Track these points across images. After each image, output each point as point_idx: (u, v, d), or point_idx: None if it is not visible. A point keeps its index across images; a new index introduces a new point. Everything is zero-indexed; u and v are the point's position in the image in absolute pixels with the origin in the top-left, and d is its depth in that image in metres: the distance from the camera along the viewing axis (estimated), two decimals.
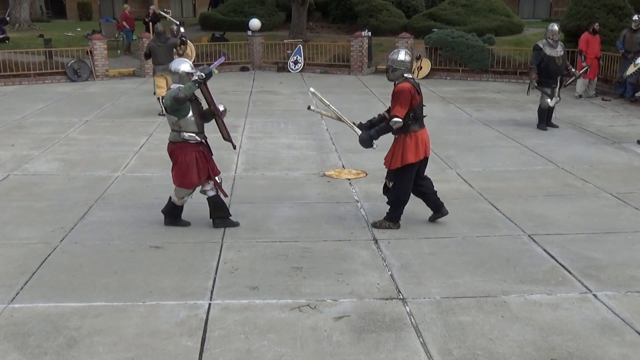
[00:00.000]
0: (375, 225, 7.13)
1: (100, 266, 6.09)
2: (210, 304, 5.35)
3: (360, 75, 20.51)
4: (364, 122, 7.29)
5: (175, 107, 6.72)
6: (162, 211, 7.30)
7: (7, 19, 30.12)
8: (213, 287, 5.67)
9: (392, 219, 7.11)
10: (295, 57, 21.74)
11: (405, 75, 6.80)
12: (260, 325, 5.01)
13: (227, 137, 7.41)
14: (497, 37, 22.29)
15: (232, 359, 4.56)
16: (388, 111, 6.95)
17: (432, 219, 7.24)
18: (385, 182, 7.13)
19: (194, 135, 6.93)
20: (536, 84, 11.88)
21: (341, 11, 29.25)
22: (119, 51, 23.99)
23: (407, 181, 6.97)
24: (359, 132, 7.11)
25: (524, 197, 8.23)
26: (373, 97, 16.27)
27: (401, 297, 5.49)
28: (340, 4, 29.21)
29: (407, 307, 5.30)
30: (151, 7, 27.87)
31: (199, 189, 7.13)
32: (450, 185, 8.65)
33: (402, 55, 6.84)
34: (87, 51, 19.88)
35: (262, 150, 10.74)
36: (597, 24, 15.79)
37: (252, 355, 4.60)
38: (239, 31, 24.71)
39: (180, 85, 6.77)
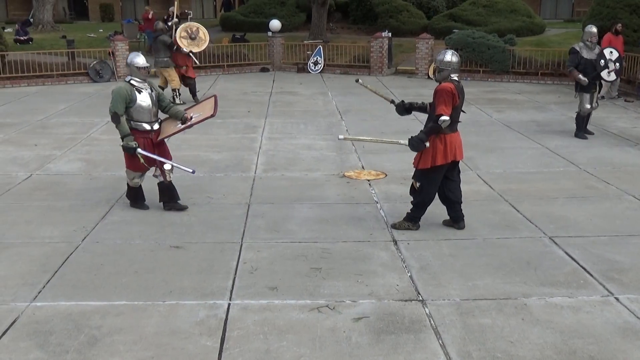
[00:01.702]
0: (395, 226, 7.12)
1: (121, 265, 6.14)
2: (229, 304, 5.37)
3: (381, 76, 20.48)
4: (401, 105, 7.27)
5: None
6: (126, 196, 7.91)
7: (31, 20, 30.48)
8: (232, 287, 5.69)
9: (412, 219, 7.09)
10: (315, 58, 21.75)
11: (452, 76, 6.74)
12: (279, 325, 5.02)
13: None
14: (519, 38, 22.14)
15: (251, 359, 4.57)
16: (431, 104, 6.88)
17: (446, 224, 7.21)
18: (412, 183, 7.10)
19: (140, 124, 7.49)
20: (581, 88, 11.34)
21: (361, 12, 29.23)
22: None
23: (434, 183, 6.93)
24: (405, 142, 6.98)
25: (545, 199, 8.17)
26: (393, 98, 16.19)
27: (420, 298, 5.47)
28: (361, 5, 29.20)
29: (426, 309, 5.28)
30: (171, 8, 28.05)
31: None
32: (470, 186, 8.61)
33: (449, 56, 6.75)
34: (109, 52, 20.05)
35: (282, 151, 10.76)
36: (619, 24, 15.61)
37: (271, 355, 4.61)
38: (260, 32, 24.80)
39: (132, 81, 7.46)
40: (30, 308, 5.30)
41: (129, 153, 7.46)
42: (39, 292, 5.58)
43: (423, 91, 17.43)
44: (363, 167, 9.73)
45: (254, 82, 19.33)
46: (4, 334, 4.88)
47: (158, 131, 7.72)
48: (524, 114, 13.99)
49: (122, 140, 7.41)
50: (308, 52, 22.09)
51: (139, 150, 7.42)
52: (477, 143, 11.11)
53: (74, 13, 41.59)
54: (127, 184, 7.83)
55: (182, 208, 7.77)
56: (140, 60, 7.48)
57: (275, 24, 22.44)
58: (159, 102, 7.68)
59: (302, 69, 21.77)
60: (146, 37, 24.91)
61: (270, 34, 22.47)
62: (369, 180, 9.07)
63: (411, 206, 7.12)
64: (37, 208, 7.84)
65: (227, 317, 5.15)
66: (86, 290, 5.63)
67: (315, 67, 21.69)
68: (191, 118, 7.75)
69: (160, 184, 7.78)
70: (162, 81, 15.31)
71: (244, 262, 6.22)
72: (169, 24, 17.02)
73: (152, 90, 7.60)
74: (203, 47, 15.67)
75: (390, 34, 21.56)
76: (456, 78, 6.78)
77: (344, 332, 4.91)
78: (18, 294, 5.54)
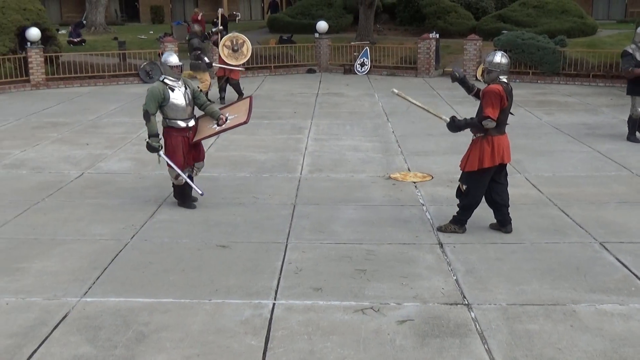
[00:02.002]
0: (441, 229, 7.06)
1: (169, 263, 6.23)
2: (274, 304, 5.40)
3: (427, 77, 20.34)
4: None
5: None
6: (174, 196, 8.03)
7: (84, 22, 31.22)
8: (277, 287, 5.73)
9: (459, 222, 7.02)
10: (362, 59, 21.73)
11: (501, 77, 6.67)
12: (324, 326, 5.02)
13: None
14: (570, 39, 21.73)
15: (295, 359, 4.59)
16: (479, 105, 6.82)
17: (493, 228, 7.12)
18: (459, 185, 7.03)
19: (175, 121, 7.66)
20: (632, 91, 11.00)
21: (409, 13, 29.09)
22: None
23: (481, 186, 6.86)
24: (447, 119, 6.93)
25: (595, 203, 8.00)
26: (440, 100, 16.11)
27: (466, 302, 5.42)
28: (408, 6, 29.06)
29: (472, 313, 5.23)
30: (219, 9, 28.38)
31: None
32: (518, 190, 8.48)
33: (498, 58, 6.69)
34: (159, 53, 20.37)
35: (328, 152, 10.78)
36: None
37: (315, 356, 4.62)
38: (307, 33, 24.88)
39: (166, 80, 7.62)
40: (81, 303, 5.42)
41: (152, 152, 7.72)
42: (89, 288, 5.71)
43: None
44: (409, 169, 9.68)
45: (301, 83, 19.41)
46: (55, 328, 5.00)
47: (194, 128, 7.86)
48: (575, 117, 13.73)
49: (148, 139, 7.61)
50: (355, 54, 22.07)
51: (161, 153, 7.67)
52: (526, 146, 10.95)
53: (125, 15, 42.41)
54: (172, 183, 7.95)
55: (191, 206, 7.93)
56: (173, 59, 7.61)
57: (322, 25, 22.50)
58: (194, 100, 7.81)
59: (349, 70, 21.77)
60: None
61: (317, 35, 22.53)
62: (415, 182, 9.02)
63: (457, 209, 7.06)
64: (88, 206, 8.01)
65: (271, 317, 5.18)
66: (134, 287, 5.73)
67: (361, 69, 21.66)
68: (226, 119, 7.86)
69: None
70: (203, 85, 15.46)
71: (289, 263, 6.25)
72: (214, 29, 17.28)
73: (186, 88, 7.73)
74: (240, 62, 15.83)
75: (437, 35, 21.40)
76: (505, 80, 6.70)
77: (388, 335, 4.89)
78: (69, 289, 5.68)
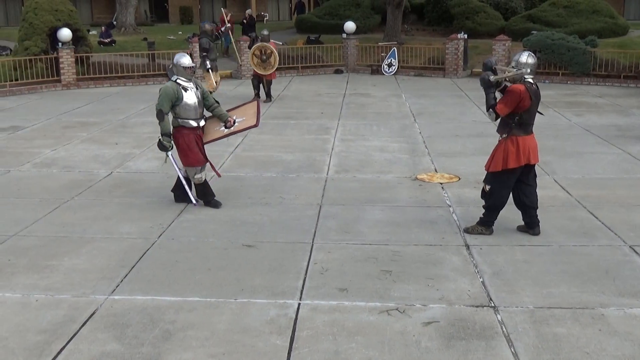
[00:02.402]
0: (468, 230, 7.01)
1: (195, 262, 6.28)
2: (299, 304, 5.41)
3: (455, 78, 20.22)
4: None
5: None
6: (198, 197, 7.99)
7: (114, 23, 31.58)
8: (303, 287, 5.74)
9: (485, 223, 6.97)
10: (389, 60, 21.67)
11: (526, 77, 6.59)
12: (349, 327, 5.02)
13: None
14: (600, 39, 21.41)
15: (320, 359, 4.59)
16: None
17: (520, 230, 7.05)
18: (483, 186, 6.98)
19: (187, 120, 7.76)
20: None
21: (437, 13, 28.92)
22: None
23: (506, 187, 6.80)
24: (491, 77, 6.71)
25: (625, 206, 7.89)
26: (468, 101, 16.00)
27: (492, 305, 5.38)
28: (436, 6, 28.89)
29: (498, 316, 5.19)
30: (247, 10, 28.53)
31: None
32: (547, 192, 8.39)
33: (525, 57, 6.63)
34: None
35: (354, 153, 10.77)
36: None
37: (339, 356, 4.62)
38: (334, 34, 24.88)
39: (179, 81, 7.70)
40: (109, 301, 5.48)
41: (162, 150, 7.81)
42: (117, 286, 5.77)
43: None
44: (436, 170, 9.63)
45: (328, 84, 19.42)
46: (83, 325, 5.07)
47: (203, 128, 8.01)
48: (605, 118, 13.55)
49: (161, 137, 7.72)
50: (382, 54, 22.02)
51: (170, 154, 7.79)
52: (555, 147, 10.83)
53: (154, 16, 42.78)
54: (193, 183, 8.01)
55: (217, 205, 7.97)
56: (186, 60, 7.75)
57: (349, 25, 22.48)
58: (203, 101, 7.92)
59: (376, 70, 21.73)
60: (223, 39, 25.38)
61: (344, 35, 22.53)
62: (441, 183, 8.97)
63: (483, 210, 7.01)
64: (116, 204, 8.10)
65: (297, 317, 5.19)
66: (161, 285, 5.79)
67: (389, 69, 21.61)
68: (234, 121, 7.99)
69: (187, 178, 8.05)
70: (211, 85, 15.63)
71: (314, 263, 6.25)
72: (223, 29, 17.54)
73: (197, 89, 7.85)
74: (267, 72, 16.03)
75: (466, 36, 21.27)
76: (531, 80, 6.63)
77: (414, 336, 4.87)
78: (97, 287, 5.75)
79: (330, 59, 22.35)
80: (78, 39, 19.30)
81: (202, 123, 7.93)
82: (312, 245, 6.73)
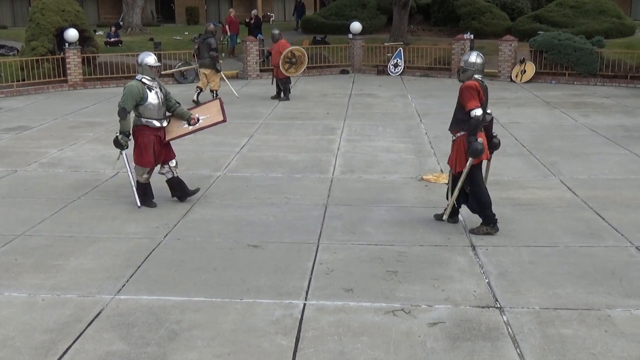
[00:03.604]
0: (474, 231, 7.02)
1: (201, 262, 6.28)
2: (305, 304, 5.41)
3: None
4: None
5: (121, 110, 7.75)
6: (137, 193, 8.03)
7: (121, 23, 31.65)
8: (308, 287, 5.74)
9: (488, 221, 7.00)
10: (395, 60, 21.66)
11: (475, 76, 6.91)
12: (354, 327, 5.02)
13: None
14: (607, 40, 21.36)
15: (325, 359, 4.59)
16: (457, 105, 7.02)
17: (447, 220, 7.26)
18: (447, 187, 7.26)
19: (150, 120, 7.79)
20: None
21: (443, 14, 28.91)
22: (223, 54, 24.67)
23: (480, 180, 7.03)
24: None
25: (632, 207, 7.86)
26: None
27: (498, 305, 5.37)
28: (443, 7, 28.88)
29: (504, 317, 5.18)
30: (253, 11, 28.55)
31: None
32: (553, 192, 8.38)
33: (474, 57, 6.98)
34: (194, 54, 20.54)
35: (360, 153, 10.77)
36: None
37: (345, 357, 4.62)
38: (340, 34, 24.90)
39: (144, 80, 7.79)
40: (115, 301, 5.50)
41: (117, 148, 7.86)
42: (122, 286, 5.78)
43: (505, 94, 17.09)
44: (442, 171, 9.62)
45: (334, 84, 19.42)
46: (89, 324, 5.08)
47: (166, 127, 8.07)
48: (612, 119, 13.50)
49: (119, 135, 7.76)
50: (388, 55, 22.01)
51: (124, 153, 7.93)
52: (561, 148, 10.81)
53: (161, 16, 42.84)
54: (137, 180, 8.05)
55: (195, 192, 8.23)
56: (151, 59, 7.79)
57: (356, 26, 22.49)
58: (166, 102, 7.96)
59: (382, 71, 21.72)
60: (229, 39, 25.43)
61: (350, 36, 22.53)
62: (447, 184, 8.94)
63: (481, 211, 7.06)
64: (122, 204, 8.12)
65: (302, 317, 5.19)
66: (167, 285, 5.80)
67: (395, 70, 21.59)
68: (197, 119, 8.03)
69: (169, 181, 8.15)
70: (202, 82, 15.71)
71: (320, 263, 6.25)
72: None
73: (161, 90, 7.89)
74: (299, 71, 16.58)
75: (472, 36, 21.26)
76: (480, 78, 6.93)
77: (419, 337, 4.87)
78: (103, 286, 5.76)
79: (336, 59, 22.35)
80: (85, 39, 19.36)
81: (164, 124, 7.96)
82: (318, 245, 6.73)
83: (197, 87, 15.75)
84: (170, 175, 8.14)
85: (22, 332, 4.96)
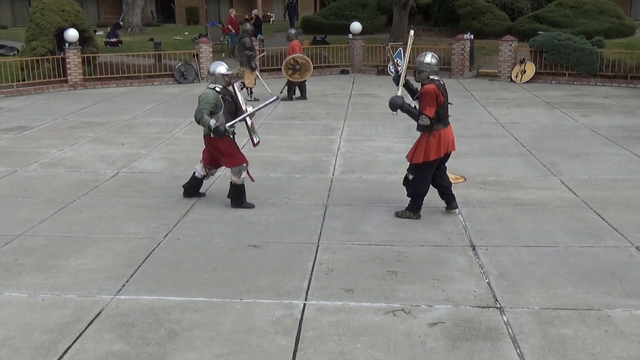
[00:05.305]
0: (398, 214, 7.49)
1: (201, 262, 6.28)
2: (305, 304, 5.41)
3: (462, 78, 20.19)
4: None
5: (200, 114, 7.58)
6: (228, 197, 8.01)
7: (121, 23, 31.67)
8: (308, 287, 5.74)
9: (413, 209, 7.46)
10: (395, 60, 21.64)
11: (431, 77, 7.30)
12: (354, 327, 5.02)
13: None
14: (607, 40, 21.37)
15: (325, 359, 4.59)
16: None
17: (448, 209, 7.61)
18: (406, 174, 7.51)
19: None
20: None
21: (443, 14, 28.92)
22: (223, 54, 24.69)
23: (427, 175, 7.37)
24: (397, 94, 7.55)
25: (632, 207, 7.86)
26: (474, 101, 15.98)
27: (498, 305, 5.37)
28: (443, 7, 28.89)
29: (504, 317, 5.18)
30: (254, 11, 28.57)
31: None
32: (553, 192, 8.38)
33: (429, 58, 7.36)
34: (194, 54, 20.58)
35: (360, 153, 10.77)
36: None
37: (345, 357, 4.62)
38: (340, 34, 24.90)
39: (215, 88, 7.71)
40: (115, 301, 5.50)
41: (220, 136, 7.62)
42: (122, 286, 5.78)
43: (505, 94, 17.10)
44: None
45: (334, 84, 19.42)
46: (89, 324, 5.08)
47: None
48: (612, 119, 13.50)
49: (212, 133, 7.58)
50: (388, 55, 21.99)
51: (228, 125, 7.63)
52: (561, 148, 10.81)
53: (161, 16, 42.87)
54: (234, 184, 7.93)
55: (245, 205, 7.99)
56: (223, 68, 7.80)
57: (356, 26, 22.47)
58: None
59: (382, 71, 21.71)
60: (229, 39, 25.44)
61: (350, 36, 22.52)
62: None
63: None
64: (123, 204, 8.12)
65: (302, 317, 5.19)
66: (167, 285, 5.80)
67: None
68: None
69: (232, 185, 8.01)
70: (247, 80, 15.91)
71: (320, 263, 6.25)
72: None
73: (231, 98, 7.90)
74: (304, 78, 16.42)
75: (472, 36, 21.24)
76: (436, 78, 7.31)
77: (419, 337, 4.87)
78: (103, 286, 5.76)
79: (336, 59, 22.34)
80: (85, 40, 19.35)
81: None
82: (318, 245, 6.73)
83: (245, 86, 15.83)
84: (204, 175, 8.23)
85: (22, 332, 4.96)
